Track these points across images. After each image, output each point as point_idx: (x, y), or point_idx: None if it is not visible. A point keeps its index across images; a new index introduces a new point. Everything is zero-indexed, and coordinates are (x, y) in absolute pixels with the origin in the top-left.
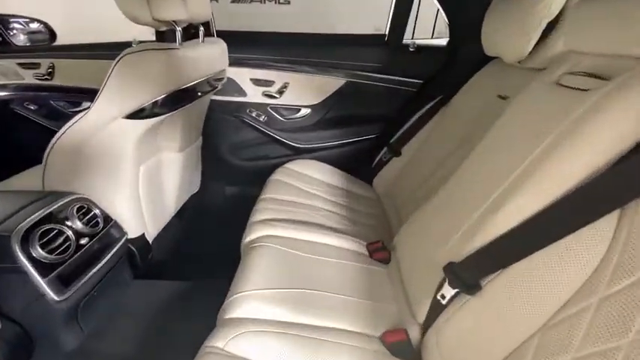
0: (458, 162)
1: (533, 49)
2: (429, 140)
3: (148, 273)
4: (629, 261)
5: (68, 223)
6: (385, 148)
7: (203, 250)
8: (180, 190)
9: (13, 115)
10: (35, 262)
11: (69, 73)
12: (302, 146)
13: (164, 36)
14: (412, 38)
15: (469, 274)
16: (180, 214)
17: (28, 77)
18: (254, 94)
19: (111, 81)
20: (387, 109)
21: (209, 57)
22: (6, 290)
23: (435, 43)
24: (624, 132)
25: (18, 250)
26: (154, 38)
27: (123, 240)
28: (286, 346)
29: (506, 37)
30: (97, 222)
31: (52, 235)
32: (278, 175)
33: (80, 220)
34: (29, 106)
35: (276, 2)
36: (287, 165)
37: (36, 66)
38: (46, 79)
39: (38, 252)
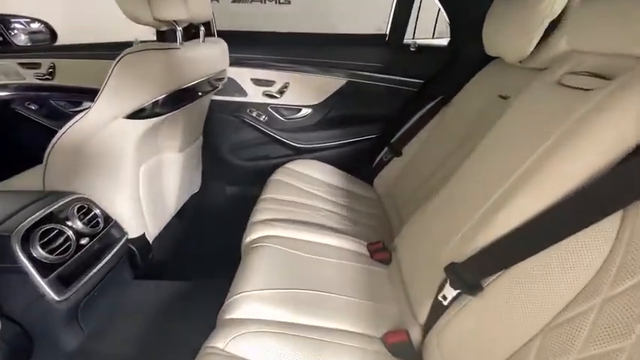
0: (459, 162)
1: (535, 48)
2: (430, 140)
3: (149, 273)
4: (633, 262)
5: (69, 223)
6: (386, 148)
7: (203, 250)
8: (181, 190)
9: (14, 114)
10: (35, 262)
11: (70, 73)
12: (302, 146)
13: (165, 36)
14: (413, 38)
15: (470, 274)
16: (181, 214)
17: (29, 77)
18: (255, 94)
19: (111, 81)
20: (387, 109)
21: (210, 57)
22: (6, 290)
23: (436, 42)
24: (627, 132)
25: (18, 250)
26: (154, 38)
27: (123, 240)
28: (287, 346)
29: (507, 36)
30: (98, 222)
31: (52, 235)
32: (278, 175)
33: (80, 220)
34: (30, 106)
35: (276, 2)
36: (287, 165)
37: (37, 66)
38: (47, 79)
39: (38, 252)
